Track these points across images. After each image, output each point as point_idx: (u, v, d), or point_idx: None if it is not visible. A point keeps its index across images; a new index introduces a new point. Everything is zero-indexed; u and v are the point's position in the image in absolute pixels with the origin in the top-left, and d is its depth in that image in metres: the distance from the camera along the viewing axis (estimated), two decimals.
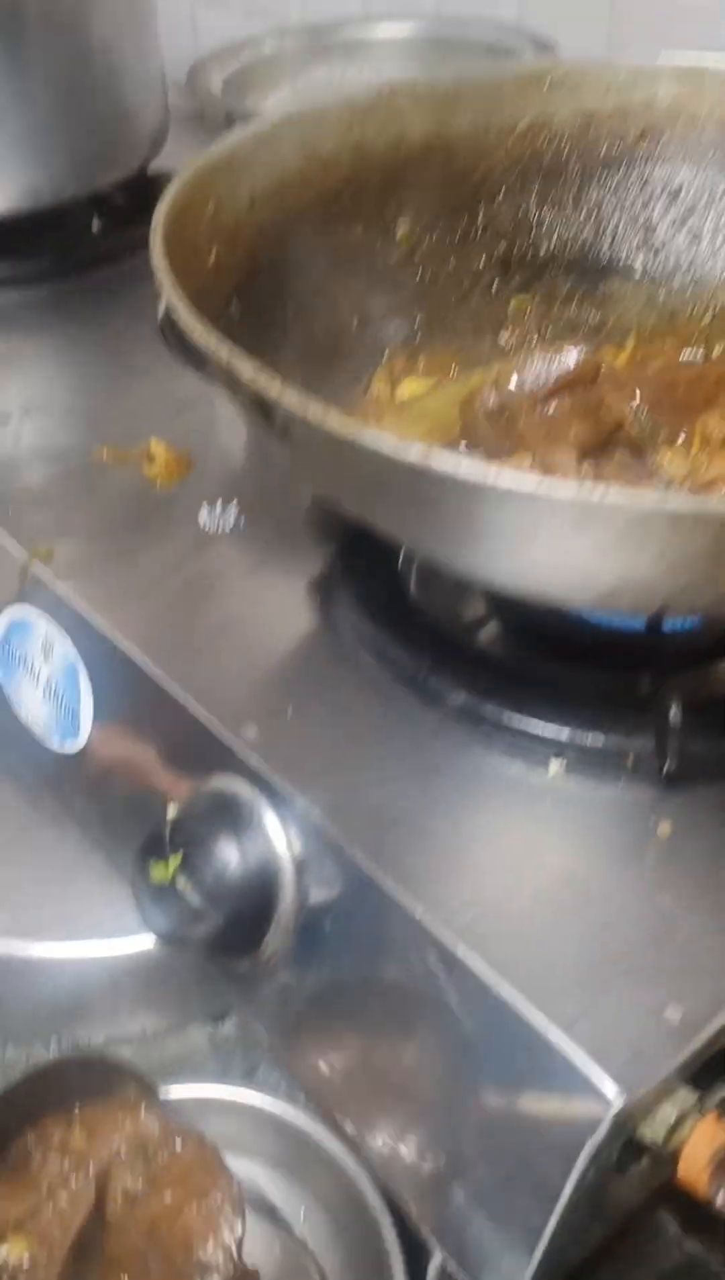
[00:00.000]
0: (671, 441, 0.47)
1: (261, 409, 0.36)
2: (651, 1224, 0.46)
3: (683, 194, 0.58)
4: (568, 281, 0.58)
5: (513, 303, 0.58)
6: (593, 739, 0.43)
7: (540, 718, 0.43)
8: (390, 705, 0.46)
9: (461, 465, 0.31)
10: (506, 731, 0.44)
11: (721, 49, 0.57)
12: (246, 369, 0.36)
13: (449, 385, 0.55)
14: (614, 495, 0.30)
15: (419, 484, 0.33)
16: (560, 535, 0.32)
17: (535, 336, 0.57)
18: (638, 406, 0.46)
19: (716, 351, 0.56)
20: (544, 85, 0.56)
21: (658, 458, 0.45)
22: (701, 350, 0.57)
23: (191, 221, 0.47)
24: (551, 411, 0.45)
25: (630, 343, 0.57)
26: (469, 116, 0.56)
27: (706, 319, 0.57)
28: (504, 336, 0.57)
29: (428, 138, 0.55)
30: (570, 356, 0.45)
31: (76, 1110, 0.48)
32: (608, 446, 0.45)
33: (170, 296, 0.40)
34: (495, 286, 0.58)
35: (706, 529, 0.32)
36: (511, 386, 0.44)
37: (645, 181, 0.57)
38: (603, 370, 0.47)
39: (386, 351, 0.55)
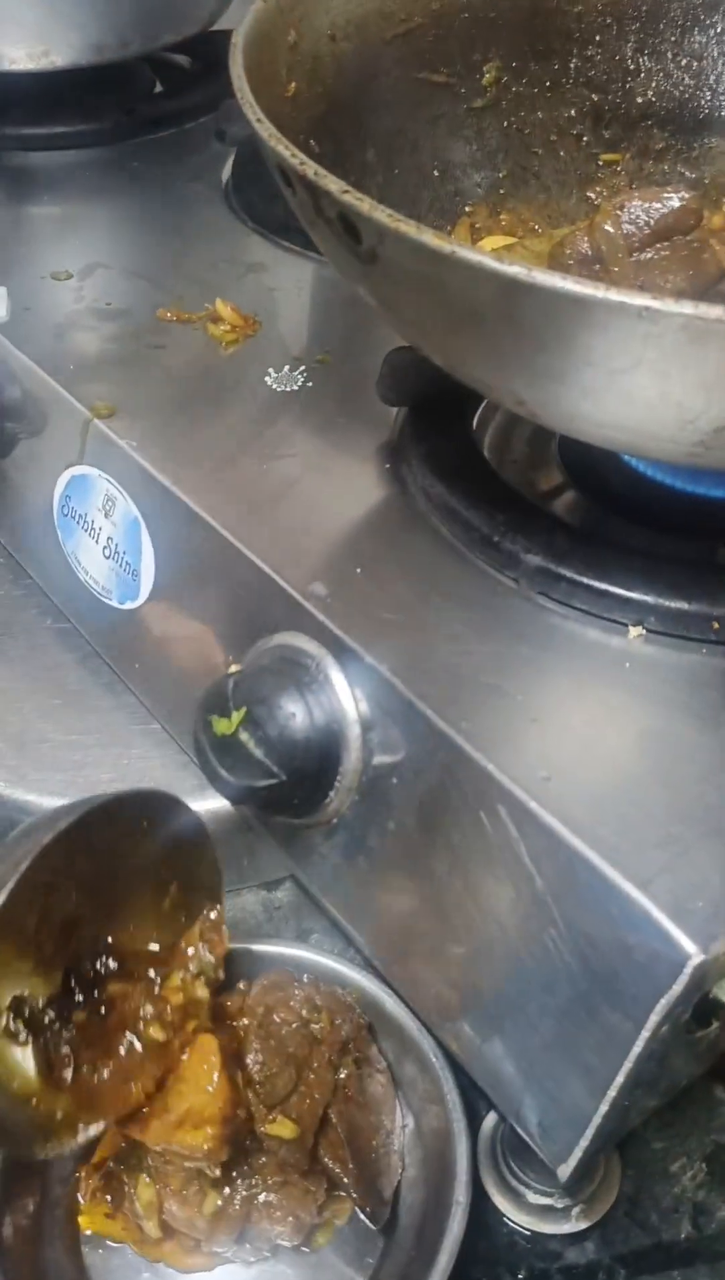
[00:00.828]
0: None
1: (349, 230, 0.34)
2: (706, 1098, 0.46)
3: None
4: (663, 136, 0.55)
5: (603, 158, 0.54)
6: (675, 606, 0.41)
7: (620, 583, 0.42)
8: (462, 567, 0.44)
9: (567, 280, 0.29)
10: (585, 595, 0.42)
11: None
12: (336, 184, 0.33)
13: (532, 242, 0.52)
14: None
15: (518, 304, 0.30)
16: (667, 362, 0.30)
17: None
18: None
19: None
20: None
21: None
22: None
23: (271, 49, 0.45)
24: (648, 259, 0.42)
25: None
26: None
27: None
28: (591, 195, 0.54)
29: None
30: (673, 200, 0.42)
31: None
32: (708, 299, 0.43)
33: (252, 115, 0.37)
34: (585, 140, 0.54)
35: None
36: (606, 229, 0.42)
37: None
38: (705, 223, 0.44)
39: (467, 205, 0.53)
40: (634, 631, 0.42)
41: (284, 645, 0.43)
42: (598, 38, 0.54)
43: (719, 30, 0.54)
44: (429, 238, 0.31)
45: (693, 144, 0.55)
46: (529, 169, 0.54)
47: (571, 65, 0.54)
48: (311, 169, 0.34)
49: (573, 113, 0.55)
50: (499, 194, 0.53)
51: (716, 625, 0.41)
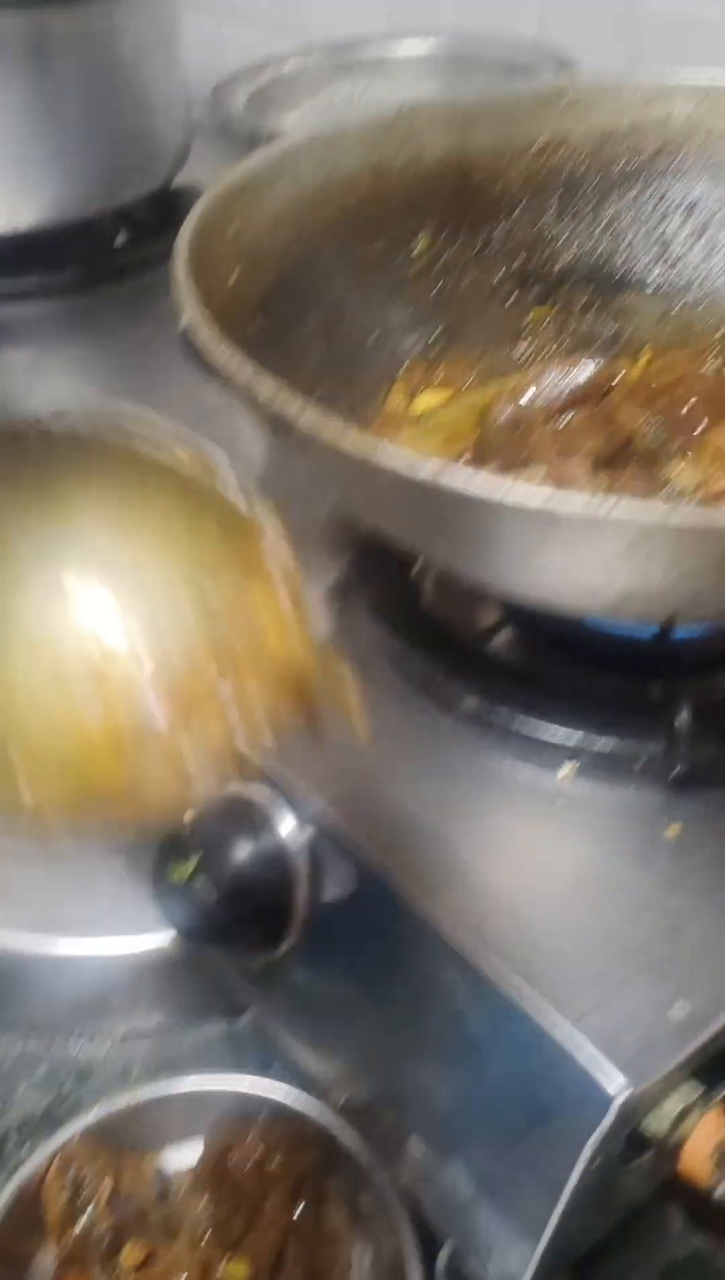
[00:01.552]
0: (683, 454, 0.48)
1: (280, 426, 0.38)
2: (658, 1218, 0.47)
3: (699, 208, 0.59)
4: (585, 293, 0.59)
5: (530, 314, 0.59)
6: (604, 743, 0.44)
7: (553, 722, 0.44)
8: (405, 710, 0.47)
9: (472, 482, 0.32)
10: (519, 736, 0.45)
11: None
12: (266, 388, 0.37)
13: (465, 396, 0.56)
14: (620, 509, 0.31)
15: (432, 500, 0.34)
16: (569, 548, 0.33)
17: (553, 347, 0.58)
18: (650, 419, 0.47)
19: None
20: (560, 103, 0.57)
21: (670, 469, 0.46)
22: (716, 363, 0.58)
23: (214, 242, 0.49)
24: (565, 424, 0.46)
25: (645, 355, 0.58)
26: (487, 135, 0.57)
27: (721, 332, 0.58)
28: (521, 347, 0.58)
29: (446, 156, 0.56)
30: (584, 371, 0.46)
31: None
32: (620, 459, 0.46)
33: (192, 318, 0.41)
34: (513, 298, 0.59)
35: (713, 542, 0.33)
36: (525, 400, 0.46)
37: (662, 196, 0.58)
38: (616, 383, 0.48)
39: (405, 363, 0.57)
40: (566, 769, 0.44)
41: (235, 793, 0.45)
42: (521, 207, 0.59)
43: (630, 199, 0.59)
44: (348, 443, 0.34)
45: (613, 299, 0.60)
46: (461, 329, 0.58)
47: (497, 232, 0.59)
48: (246, 372, 0.38)
49: (501, 274, 0.59)
50: (434, 352, 0.57)
51: (641, 762, 0.43)
